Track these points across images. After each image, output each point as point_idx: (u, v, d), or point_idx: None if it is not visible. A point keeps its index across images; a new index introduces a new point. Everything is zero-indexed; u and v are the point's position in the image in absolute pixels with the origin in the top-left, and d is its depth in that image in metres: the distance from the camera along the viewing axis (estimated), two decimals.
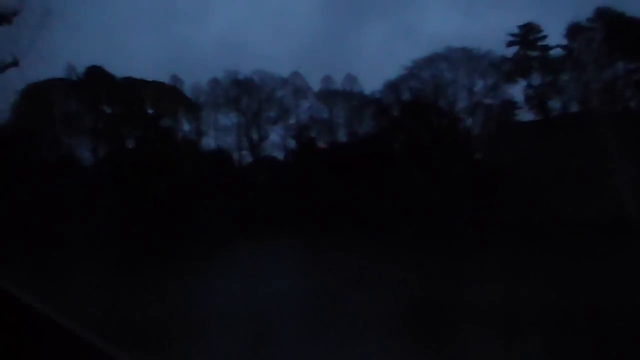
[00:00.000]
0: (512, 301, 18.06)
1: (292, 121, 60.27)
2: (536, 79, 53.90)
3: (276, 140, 60.19)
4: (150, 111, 54.29)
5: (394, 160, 50.12)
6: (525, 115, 54.37)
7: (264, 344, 14.84)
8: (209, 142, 58.75)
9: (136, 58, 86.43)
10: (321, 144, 59.22)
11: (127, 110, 51.59)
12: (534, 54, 54.50)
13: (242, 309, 18.47)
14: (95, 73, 51.37)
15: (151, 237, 42.91)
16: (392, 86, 56.82)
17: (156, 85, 53.75)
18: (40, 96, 48.64)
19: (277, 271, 27.98)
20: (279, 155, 60.58)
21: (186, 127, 57.59)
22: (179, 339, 14.46)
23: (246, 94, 58.77)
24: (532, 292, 19.16)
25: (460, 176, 46.86)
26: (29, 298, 3.27)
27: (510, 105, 55.01)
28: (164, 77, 56.26)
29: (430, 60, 54.52)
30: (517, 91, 54.52)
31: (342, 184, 49.25)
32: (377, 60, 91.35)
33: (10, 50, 9.44)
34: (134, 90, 52.28)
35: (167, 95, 54.21)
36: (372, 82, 77.83)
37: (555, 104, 53.23)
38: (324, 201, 48.72)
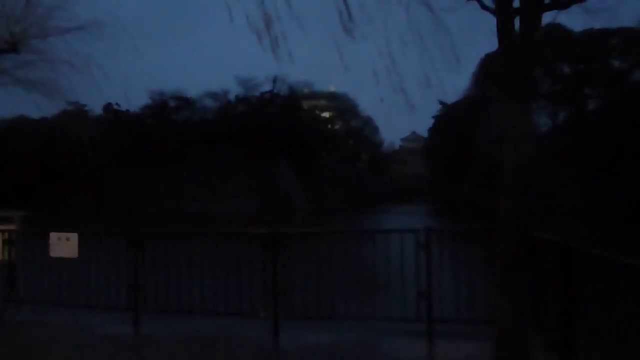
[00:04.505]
0: None
1: None
2: None
3: None
4: (616, 64, 46.68)
5: None
6: None
7: None
8: None
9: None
10: None
11: (589, 67, 45.63)
12: None
13: None
14: (554, 30, 47.24)
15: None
16: None
17: (626, 33, 45.58)
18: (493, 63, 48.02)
19: None
20: None
21: None
22: None
23: None
24: None
25: None
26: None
27: None
28: None
29: None
30: None
31: None
32: None
33: None
34: (597, 44, 45.69)
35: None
36: None
37: None
38: None
